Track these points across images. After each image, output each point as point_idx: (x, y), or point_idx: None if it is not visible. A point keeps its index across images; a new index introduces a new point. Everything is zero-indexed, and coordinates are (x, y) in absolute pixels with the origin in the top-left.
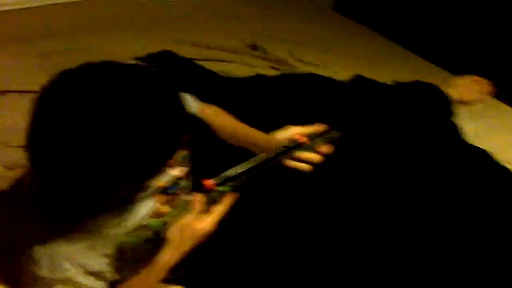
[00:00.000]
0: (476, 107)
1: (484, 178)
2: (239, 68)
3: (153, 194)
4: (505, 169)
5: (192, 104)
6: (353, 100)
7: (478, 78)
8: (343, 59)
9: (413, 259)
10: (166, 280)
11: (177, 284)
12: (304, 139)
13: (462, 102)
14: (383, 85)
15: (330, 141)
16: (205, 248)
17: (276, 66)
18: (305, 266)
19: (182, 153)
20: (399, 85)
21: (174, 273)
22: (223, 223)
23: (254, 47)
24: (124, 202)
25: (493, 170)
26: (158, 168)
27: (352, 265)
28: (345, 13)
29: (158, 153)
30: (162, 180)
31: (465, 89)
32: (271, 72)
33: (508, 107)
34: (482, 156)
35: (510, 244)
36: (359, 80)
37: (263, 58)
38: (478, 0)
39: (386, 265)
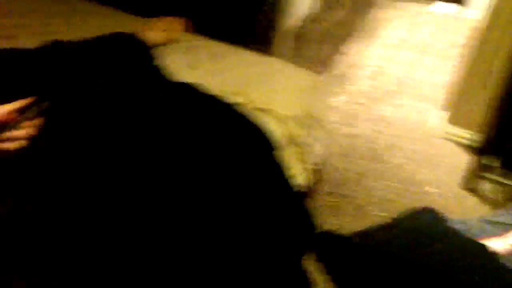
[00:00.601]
0: (177, 44)
1: (191, 110)
2: None
3: None
4: (211, 97)
5: None
6: (50, 65)
7: (172, 18)
8: (43, 22)
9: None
10: None
11: None
12: (10, 117)
13: (162, 44)
14: (78, 43)
15: (38, 113)
16: None
17: None
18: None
19: None
20: (93, 40)
21: None
22: None
23: None
24: None
25: (198, 100)
26: None
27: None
28: None
29: None
30: None
31: (162, 30)
32: None
33: (208, 40)
34: (187, 90)
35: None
36: (53, 44)
37: None
38: None
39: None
